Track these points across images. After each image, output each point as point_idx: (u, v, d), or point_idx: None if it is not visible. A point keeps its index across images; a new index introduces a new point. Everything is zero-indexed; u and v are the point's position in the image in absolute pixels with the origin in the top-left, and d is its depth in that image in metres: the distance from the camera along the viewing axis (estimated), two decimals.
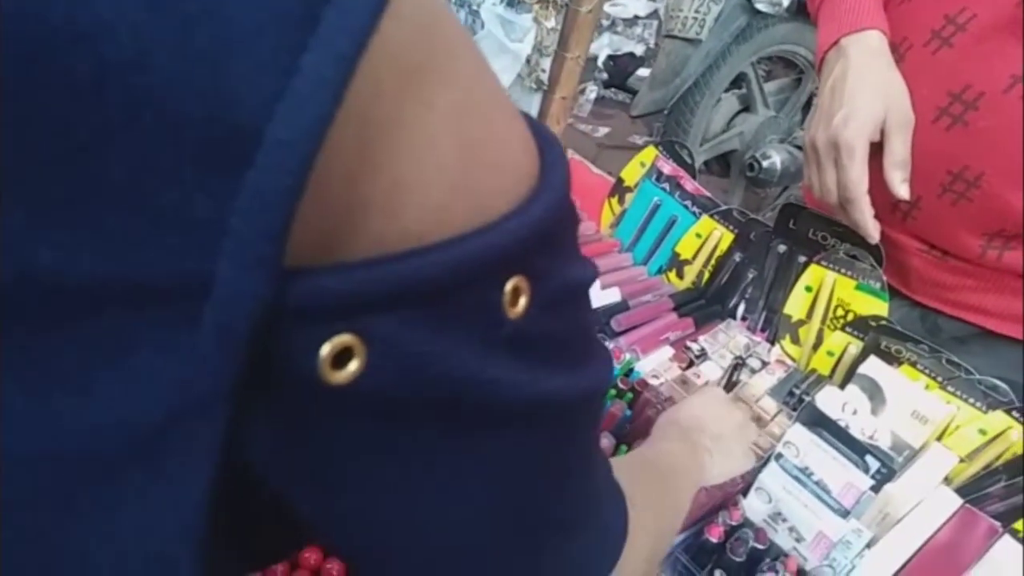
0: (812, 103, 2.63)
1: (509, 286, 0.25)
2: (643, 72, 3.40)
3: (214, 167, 0.20)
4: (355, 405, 0.24)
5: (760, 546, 0.82)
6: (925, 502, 0.84)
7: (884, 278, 0.91)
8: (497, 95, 0.26)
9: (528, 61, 1.13)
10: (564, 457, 0.33)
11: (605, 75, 3.57)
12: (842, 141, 0.79)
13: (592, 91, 3.52)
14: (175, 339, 0.21)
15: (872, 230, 0.82)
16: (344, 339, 0.22)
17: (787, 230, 0.99)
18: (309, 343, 0.22)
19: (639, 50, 3.58)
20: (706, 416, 0.77)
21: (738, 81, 2.56)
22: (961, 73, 0.76)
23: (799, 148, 2.48)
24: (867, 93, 0.79)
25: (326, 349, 0.22)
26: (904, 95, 0.80)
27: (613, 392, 0.88)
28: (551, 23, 1.08)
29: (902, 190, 0.81)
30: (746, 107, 2.61)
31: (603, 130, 3.38)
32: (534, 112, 1.17)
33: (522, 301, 0.26)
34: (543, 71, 1.11)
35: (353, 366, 0.23)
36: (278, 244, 0.20)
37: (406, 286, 0.23)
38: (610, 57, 3.56)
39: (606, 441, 0.83)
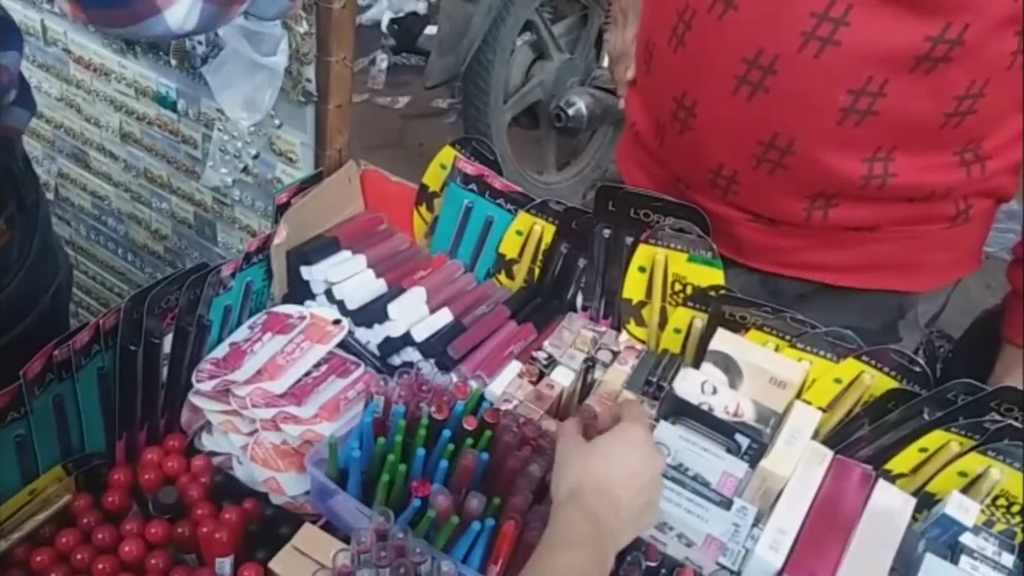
0: (603, 37, 2.60)
1: None
2: (432, 30, 3.25)
3: None
4: None
5: (652, 563, 0.77)
6: (800, 464, 0.82)
7: (714, 246, 0.87)
8: None
9: (289, 73, 0.98)
10: None
11: (392, 41, 3.39)
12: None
13: (383, 60, 3.35)
14: None
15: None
16: None
17: (607, 212, 0.92)
18: None
19: (421, 7, 3.42)
20: (615, 480, 0.66)
21: (527, 29, 2.49)
22: (751, 37, 0.71)
23: (601, 89, 2.45)
24: None
25: None
26: None
27: (470, 441, 0.79)
28: (304, 27, 0.94)
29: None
30: (540, 54, 2.55)
31: (403, 99, 3.23)
32: (310, 127, 1.03)
33: None
34: (308, 81, 0.97)
35: None
36: None
37: None
38: (393, 21, 3.38)
39: (475, 502, 0.74)
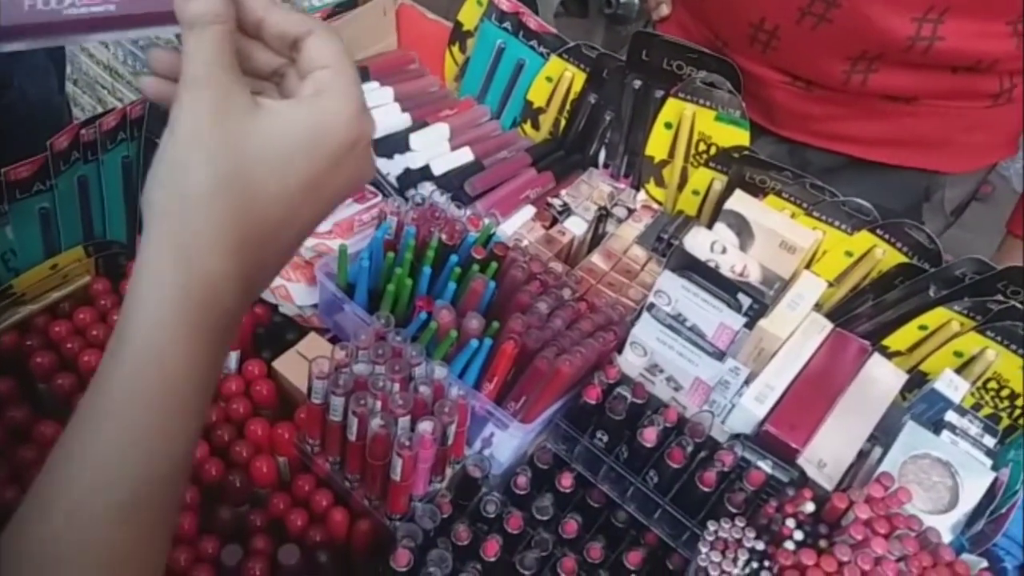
0: None
1: None
2: None
3: None
4: None
5: (638, 400, 0.79)
6: (798, 331, 0.83)
7: (743, 105, 0.85)
8: None
9: None
10: None
11: None
12: None
13: None
14: None
15: None
16: None
17: (640, 62, 0.90)
18: None
19: None
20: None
21: None
22: None
23: None
24: None
25: None
26: None
27: (476, 267, 0.80)
28: None
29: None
30: None
31: None
32: None
33: None
34: None
35: None
36: None
37: None
38: None
39: (475, 322, 0.76)
